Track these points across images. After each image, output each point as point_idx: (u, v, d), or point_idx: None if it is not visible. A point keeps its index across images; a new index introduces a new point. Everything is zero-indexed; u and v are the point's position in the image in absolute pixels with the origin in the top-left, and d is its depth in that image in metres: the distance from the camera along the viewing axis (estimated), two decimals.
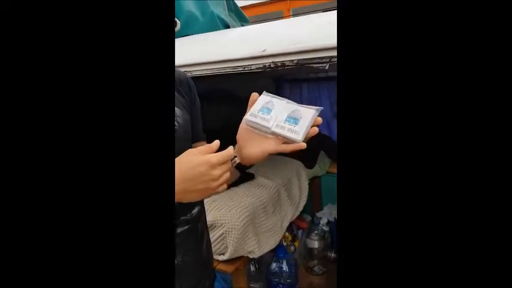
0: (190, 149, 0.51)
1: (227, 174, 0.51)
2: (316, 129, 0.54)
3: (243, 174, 0.63)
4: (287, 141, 0.53)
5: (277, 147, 0.54)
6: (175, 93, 0.65)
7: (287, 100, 0.56)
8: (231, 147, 0.52)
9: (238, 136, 0.58)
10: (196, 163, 0.48)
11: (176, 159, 0.49)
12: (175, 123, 0.61)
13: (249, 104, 0.57)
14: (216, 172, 0.49)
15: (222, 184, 0.51)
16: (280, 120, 0.54)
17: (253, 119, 0.55)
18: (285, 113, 0.54)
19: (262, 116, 0.54)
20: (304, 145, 0.52)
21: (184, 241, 0.62)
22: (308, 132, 0.52)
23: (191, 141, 0.68)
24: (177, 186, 0.47)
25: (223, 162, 0.50)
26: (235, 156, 0.60)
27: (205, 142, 0.74)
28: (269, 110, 0.55)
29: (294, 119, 0.53)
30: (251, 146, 0.56)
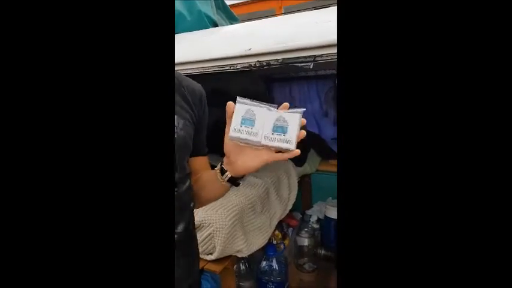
0: None
1: None
2: (304, 132, 0.53)
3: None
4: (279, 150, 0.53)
5: (271, 156, 0.54)
6: (183, 104, 0.63)
7: (267, 106, 0.54)
8: None
9: (226, 150, 0.57)
10: None
11: None
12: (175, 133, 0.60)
13: (227, 115, 0.54)
14: None
15: None
16: (267, 131, 0.52)
17: (239, 135, 0.52)
18: (270, 122, 0.52)
19: (247, 129, 0.52)
20: (298, 152, 0.52)
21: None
22: (298, 137, 0.52)
23: (189, 155, 0.66)
24: None
25: None
26: (226, 171, 0.59)
27: (206, 158, 0.73)
28: (252, 122, 0.52)
29: (281, 128, 0.52)
30: (244, 159, 0.55)
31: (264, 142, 0.52)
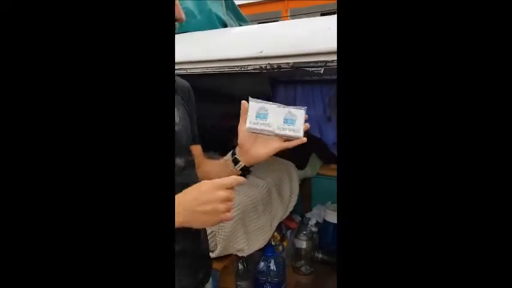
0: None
1: (232, 201, 0.52)
2: (307, 125, 0.66)
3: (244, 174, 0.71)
4: (288, 138, 0.65)
5: (282, 144, 0.65)
6: (179, 100, 0.71)
7: (276, 104, 0.66)
8: (236, 177, 0.54)
9: (240, 141, 0.66)
10: (200, 185, 0.52)
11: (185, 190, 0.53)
12: (180, 125, 0.67)
13: (241, 111, 0.65)
14: (221, 193, 0.50)
15: (228, 209, 0.51)
16: (279, 123, 0.64)
17: (255, 126, 0.65)
18: (281, 116, 0.65)
19: (262, 121, 0.65)
20: (305, 139, 0.64)
21: (182, 232, 0.63)
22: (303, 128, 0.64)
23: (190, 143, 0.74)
24: (179, 208, 0.49)
25: (228, 187, 0.52)
26: (239, 161, 0.67)
27: (199, 146, 0.80)
28: (265, 116, 0.65)
29: (291, 120, 0.65)
30: (258, 147, 0.65)
31: (277, 131, 0.65)
